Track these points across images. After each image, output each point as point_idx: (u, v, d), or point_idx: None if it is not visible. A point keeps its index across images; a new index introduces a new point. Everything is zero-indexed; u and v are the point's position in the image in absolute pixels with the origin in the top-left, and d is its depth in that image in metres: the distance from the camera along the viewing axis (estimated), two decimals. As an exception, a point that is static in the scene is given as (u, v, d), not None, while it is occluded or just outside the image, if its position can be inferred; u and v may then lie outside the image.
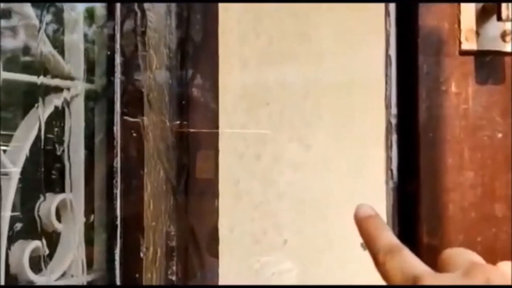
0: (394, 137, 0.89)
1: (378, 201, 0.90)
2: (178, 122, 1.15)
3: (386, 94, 0.89)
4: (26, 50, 1.03)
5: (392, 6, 0.85)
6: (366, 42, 0.91)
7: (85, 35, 1.10)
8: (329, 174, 1.05)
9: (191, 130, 1.14)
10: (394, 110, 0.89)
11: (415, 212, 0.90)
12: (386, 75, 0.88)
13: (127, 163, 1.08)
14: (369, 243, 0.49)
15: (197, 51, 1.16)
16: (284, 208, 1.18)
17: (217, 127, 1.17)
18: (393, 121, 0.89)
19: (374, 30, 0.91)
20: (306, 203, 1.13)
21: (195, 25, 1.14)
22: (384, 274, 0.46)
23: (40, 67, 1.03)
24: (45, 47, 1.02)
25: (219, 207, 1.17)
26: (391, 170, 0.90)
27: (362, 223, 0.50)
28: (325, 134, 1.03)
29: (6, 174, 0.96)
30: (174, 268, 1.14)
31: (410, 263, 0.44)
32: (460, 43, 0.87)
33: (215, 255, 1.17)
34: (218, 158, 1.17)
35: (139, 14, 1.09)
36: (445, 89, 0.85)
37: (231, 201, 1.19)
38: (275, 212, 1.17)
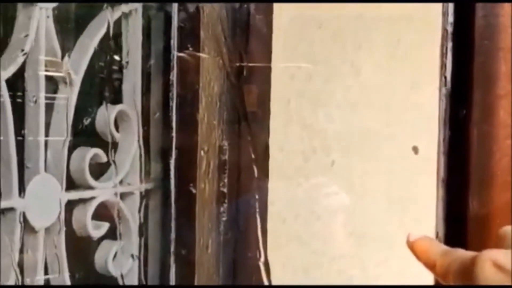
0: (450, 45, 0.89)
1: (431, 109, 0.91)
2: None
3: (443, 5, 0.88)
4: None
5: None
6: None
7: None
8: (379, 95, 1.05)
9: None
10: (450, 18, 0.89)
11: (466, 115, 0.90)
12: None
13: (183, 77, 1.11)
14: (424, 257, 0.51)
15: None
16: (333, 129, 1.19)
17: (270, 50, 1.18)
18: (449, 28, 0.89)
19: None
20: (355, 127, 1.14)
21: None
22: (445, 275, 0.48)
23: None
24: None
25: (270, 126, 1.19)
26: (445, 77, 0.90)
27: (413, 244, 0.52)
28: (377, 54, 1.03)
29: (68, 82, 0.99)
30: (225, 180, 1.18)
31: (465, 253, 0.47)
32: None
33: (266, 172, 1.20)
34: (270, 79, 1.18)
35: None
36: None
37: (282, 121, 1.20)
38: (324, 133, 1.18)
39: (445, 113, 0.90)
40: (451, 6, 0.87)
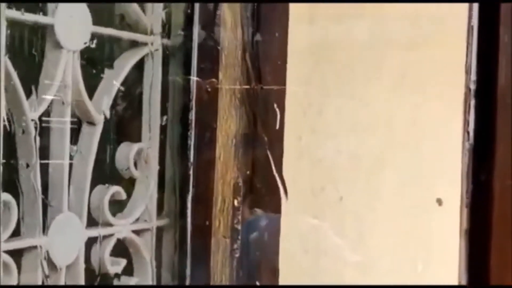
0: (473, 102, 0.92)
1: (455, 162, 0.94)
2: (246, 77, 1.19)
3: (466, 61, 0.91)
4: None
5: None
6: (449, 12, 0.94)
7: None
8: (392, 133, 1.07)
9: (262, 87, 1.17)
10: (473, 77, 0.92)
11: (489, 172, 0.93)
12: (468, 43, 0.91)
13: (201, 117, 1.13)
14: None
15: (268, 10, 1.19)
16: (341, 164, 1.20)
17: (284, 83, 1.20)
18: (472, 87, 0.92)
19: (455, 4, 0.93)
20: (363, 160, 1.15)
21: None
22: None
23: (125, 23, 1.08)
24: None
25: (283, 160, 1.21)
26: (468, 132, 0.93)
27: None
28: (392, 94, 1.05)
29: (91, 122, 1.02)
30: (239, 217, 1.20)
31: None
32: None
33: (277, 210, 1.21)
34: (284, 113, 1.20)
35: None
36: None
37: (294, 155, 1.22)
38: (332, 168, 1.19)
39: (467, 167, 0.93)
40: (474, 64, 0.91)
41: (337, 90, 1.18)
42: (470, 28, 0.92)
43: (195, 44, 1.13)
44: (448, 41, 0.95)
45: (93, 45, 1.01)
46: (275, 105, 1.18)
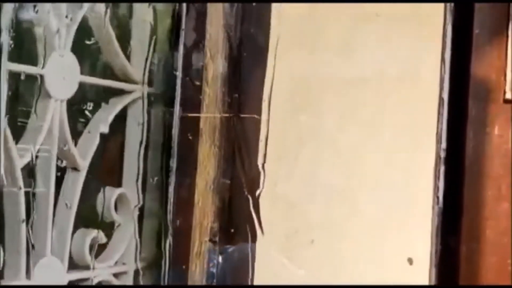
0: (442, 168, 0.99)
1: (425, 224, 1.00)
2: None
3: (437, 130, 0.98)
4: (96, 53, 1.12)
5: (447, 54, 0.95)
6: (422, 85, 1.01)
7: (150, 41, 1.18)
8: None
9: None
10: (443, 145, 0.99)
11: (456, 234, 0.99)
12: (439, 114, 0.98)
13: (182, 163, 1.17)
14: None
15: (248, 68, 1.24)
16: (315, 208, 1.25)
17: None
18: (442, 154, 0.99)
19: (429, 75, 1.01)
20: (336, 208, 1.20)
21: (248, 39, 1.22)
22: None
23: (109, 71, 1.12)
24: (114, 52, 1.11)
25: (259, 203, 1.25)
26: (438, 197, 0.99)
27: None
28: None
29: (75, 168, 1.05)
30: (215, 261, 1.24)
31: None
32: (504, 92, 0.97)
33: (252, 251, 1.25)
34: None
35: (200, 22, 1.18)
36: (489, 131, 0.96)
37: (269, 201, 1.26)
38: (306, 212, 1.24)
39: (437, 229, 0.99)
40: (444, 133, 0.98)
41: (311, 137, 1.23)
42: (441, 100, 0.99)
43: (178, 93, 1.18)
44: (420, 109, 1.02)
45: (79, 93, 1.05)
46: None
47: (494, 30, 0.96)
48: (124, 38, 1.16)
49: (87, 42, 1.10)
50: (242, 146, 1.24)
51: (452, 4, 0.95)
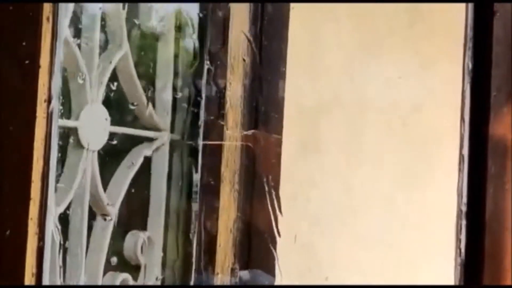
0: (464, 222, 1.04)
1: (446, 274, 1.05)
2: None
3: (458, 185, 1.04)
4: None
5: (466, 115, 1.01)
6: (442, 143, 1.07)
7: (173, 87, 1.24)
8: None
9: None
10: (464, 199, 1.04)
11: (478, 286, 1.04)
12: (459, 170, 1.04)
13: (204, 207, 1.23)
14: None
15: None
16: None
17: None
18: (464, 208, 1.05)
19: (449, 133, 1.07)
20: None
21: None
22: None
23: (136, 120, 1.17)
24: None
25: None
26: (460, 249, 1.04)
27: None
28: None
29: (105, 214, 1.10)
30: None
31: None
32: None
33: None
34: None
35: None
36: (508, 188, 1.02)
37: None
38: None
39: (459, 280, 1.04)
40: (465, 188, 1.04)
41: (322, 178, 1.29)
42: (461, 157, 1.05)
43: (200, 141, 1.23)
44: (442, 166, 1.08)
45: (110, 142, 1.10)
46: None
47: (510, 93, 1.02)
48: (148, 85, 1.22)
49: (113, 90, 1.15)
50: (259, 189, 1.29)
51: (470, 66, 1.02)
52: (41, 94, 0.77)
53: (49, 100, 0.78)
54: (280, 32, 1.23)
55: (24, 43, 0.76)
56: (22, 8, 0.76)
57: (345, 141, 1.25)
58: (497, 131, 1.02)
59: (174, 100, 1.25)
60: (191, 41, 1.26)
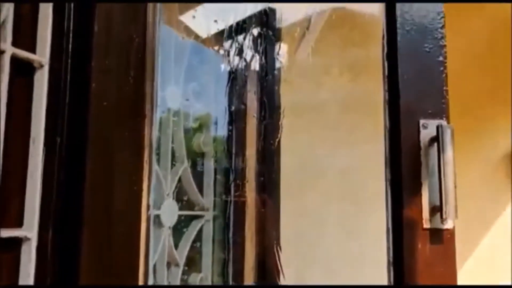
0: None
1: None
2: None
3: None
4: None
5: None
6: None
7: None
8: None
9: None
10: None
11: None
12: (387, 241, 1.74)
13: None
14: None
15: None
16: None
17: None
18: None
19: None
20: None
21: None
22: None
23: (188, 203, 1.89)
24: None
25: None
26: None
27: None
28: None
29: (177, 265, 1.80)
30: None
31: None
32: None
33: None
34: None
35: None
36: None
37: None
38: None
39: None
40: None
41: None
42: (387, 229, 1.74)
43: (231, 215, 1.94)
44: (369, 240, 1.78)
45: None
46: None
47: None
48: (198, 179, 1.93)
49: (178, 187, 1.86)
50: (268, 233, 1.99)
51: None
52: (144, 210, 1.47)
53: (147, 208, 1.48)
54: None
55: (133, 178, 1.43)
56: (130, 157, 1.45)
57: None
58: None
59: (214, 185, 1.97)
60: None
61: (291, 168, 1.95)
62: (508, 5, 2.87)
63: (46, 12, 1.15)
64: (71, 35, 1.17)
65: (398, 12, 1.27)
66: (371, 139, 1.50)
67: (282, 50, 1.93)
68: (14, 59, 1.08)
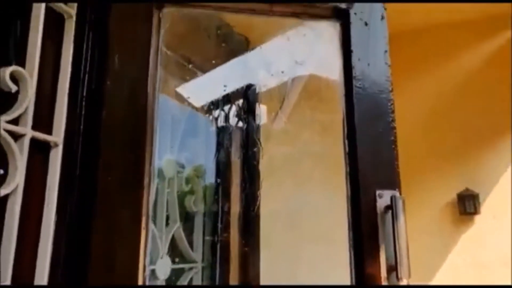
0: None
1: None
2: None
3: None
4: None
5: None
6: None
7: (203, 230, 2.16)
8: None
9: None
10: None
11: None
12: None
13: None
14: None
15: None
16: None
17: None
18: None
19: None
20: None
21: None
22: None
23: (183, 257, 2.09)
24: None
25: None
26: None
27: None
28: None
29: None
30: None
31: None
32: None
33: None
34: None
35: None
36: None
37: None
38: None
39: None
40: None
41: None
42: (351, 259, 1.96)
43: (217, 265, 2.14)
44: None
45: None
46: None
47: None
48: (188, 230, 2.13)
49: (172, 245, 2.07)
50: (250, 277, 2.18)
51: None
52: (141, 270, 1.67)
53: (144, 268, 1.68)
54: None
55: (133, 243, 1.65)
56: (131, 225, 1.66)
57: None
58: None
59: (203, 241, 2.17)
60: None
61: (269, 224, 2.18)
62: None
63: (62, 100, 1.37)
64: (82, 119, 1.40)
65: (355, 100, 1.51)
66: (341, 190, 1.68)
67: (262, 118, 2.19)
68: (33, 140, 1.29)
